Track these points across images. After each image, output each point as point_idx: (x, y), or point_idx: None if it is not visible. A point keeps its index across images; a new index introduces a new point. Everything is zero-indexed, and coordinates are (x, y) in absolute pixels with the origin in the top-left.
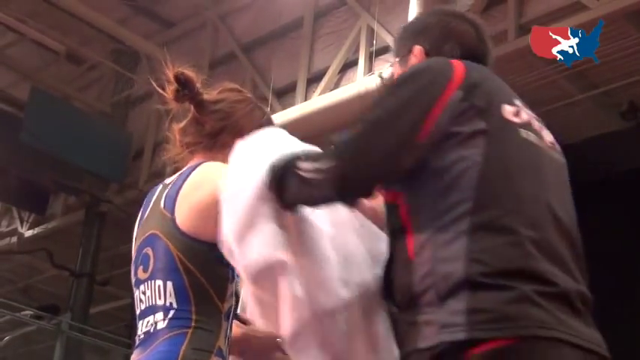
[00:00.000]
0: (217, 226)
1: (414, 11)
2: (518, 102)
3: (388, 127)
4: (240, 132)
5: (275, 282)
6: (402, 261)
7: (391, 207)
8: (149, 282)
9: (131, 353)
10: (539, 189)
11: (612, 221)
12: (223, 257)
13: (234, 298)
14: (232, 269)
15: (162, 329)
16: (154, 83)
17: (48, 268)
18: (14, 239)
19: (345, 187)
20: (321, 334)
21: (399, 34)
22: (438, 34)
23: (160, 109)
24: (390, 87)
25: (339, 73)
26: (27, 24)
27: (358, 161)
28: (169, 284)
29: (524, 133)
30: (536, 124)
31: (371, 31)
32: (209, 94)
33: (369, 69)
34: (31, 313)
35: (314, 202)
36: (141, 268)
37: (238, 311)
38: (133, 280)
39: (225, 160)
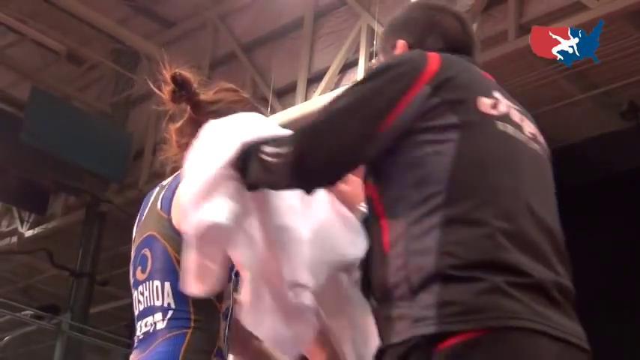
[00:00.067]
0: None
1: None
2: (497, 94)
3: (350, 116)
4: None
5: (216, 248)
6: (378, 254)
7: (369, 200)
8: (147, 283)
9: (131, 353)
10: (514, 181)
11: (612, 221)
12: None
13: (232, 298)
14: (230, 269)
15: (162, 330)
16: (151, 84)
17: (48, 268)
18: (14, 239)
19: (301, 173)
20: (282, 307)
21: (385, 28)
22: (421, 27)
23: (160, 109)
24: (361, 78)
25: (339, 73)
26: (27, 24)
27: (315, 147)
28: (167, 285)
29: (500, 125)
30: (517, 116)
31: (371, 31)
32: (205, 95)
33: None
34: (32, 313)
35: (274, 187)
36: (139, 269)
37: None
38: (132, 281)
39: None
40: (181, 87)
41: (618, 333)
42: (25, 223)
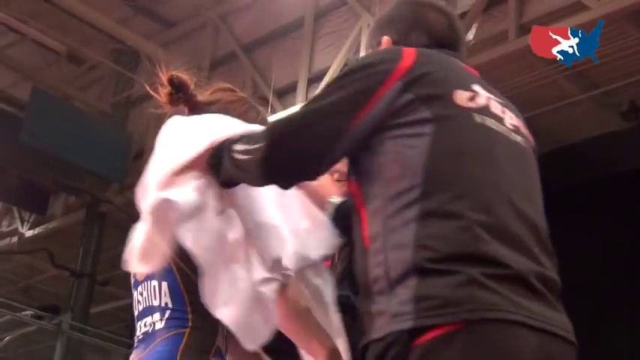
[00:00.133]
0: None
1: None
2: (476, 87)
3: (320, 113)
4: None
5: (165, 224)
6: (359, 249)
7: (351, 196)
8: (146, 283)
9: (131, 354)
10: (493, 173)
11: (613, 221)
12: None
13: None
14: None
15: (160, 329)
16: (148, 88)
17: (48, 268)
18: (15, 239)
19: (271, 169)
20: (243, 296)
21: (372, 25)
22: (405, 23)
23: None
24: (336, 76)
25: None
26: (28, 24)
27: (285, 144)
28: (164, 284)
29: (478, 117)
30: (498, 108)
31: None
32: (202, 96)
33: None
34: (32, 313)
35: (249, 184)
36: None
37: None
38: (132, 281)
39: None
40: (178, 89)
41: (618, 333)
42: (26, 223)
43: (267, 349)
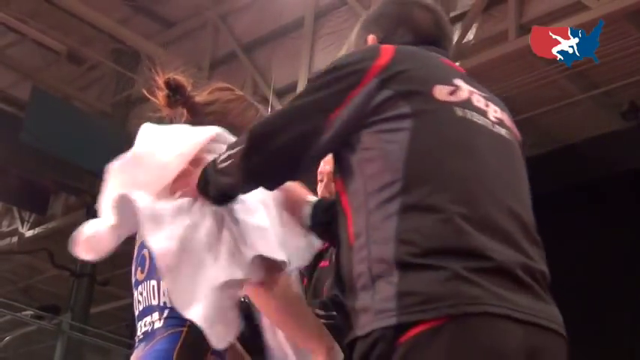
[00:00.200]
0: None
1: None
2: (458, 81)
3: (297, 113)
4: (235, 131)
5: (124, 221)
6: (345, 247)
7: (337, 195)
8: (145, 282)
9: (132, 353)
10: (474, 165)
11: (613, 221)
12: None
13: None
14: None
15: (159, 328)
16: (145, 92)
17: (48, 268)
18: (15, 239)
19: (250, 170)
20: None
21: (359, 25)
22: (390, 21)
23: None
24: (314, 76)
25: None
26: (28, 24)
27: (263, 144)
28: (163, 284)
29: (460, 111)
30: (481, 101)
31: None
32: (200, 96)
33: None
34: (32, 313)
35: (234, 189)
36: (139, 269)
37: None
38: (133, 280)
39: None
40: (175, 91)
41: (619, 333)
42: (26, 223)
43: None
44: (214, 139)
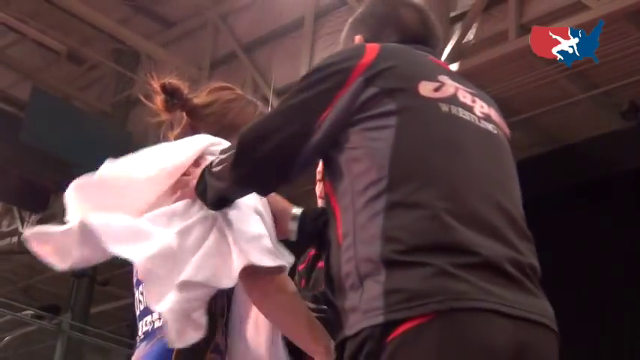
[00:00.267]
0: None
1: None
2: (443, 78)
3: (287, 115)
4: (236, 130)
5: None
6: (334, 247)
7: (326, 196)
8: None
9: (132, 353)
10: (460, 160)
11: (613, 221)
12: None
13: (226, 295)
14: None
15: (159, 327)
16: (143, 99)
17: (48, 268)
18: (15, 239)
19: (241, 174)
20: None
21: (347, 26)
22: (377, 21)
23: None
24: (301, 77)
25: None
26: (28, 24)
27: (253, 147)
28: None
29: (445, 107)
30: (467, 97)
31: None
32: (199, 98)
33: None
34: (32, 312)
35: (227, 193)
36: None
37: None
38: (134, 280)
39: None
40: (172, 95)
41: (619, 333)
42: (26, 223)
43: None
44: (205, 151)
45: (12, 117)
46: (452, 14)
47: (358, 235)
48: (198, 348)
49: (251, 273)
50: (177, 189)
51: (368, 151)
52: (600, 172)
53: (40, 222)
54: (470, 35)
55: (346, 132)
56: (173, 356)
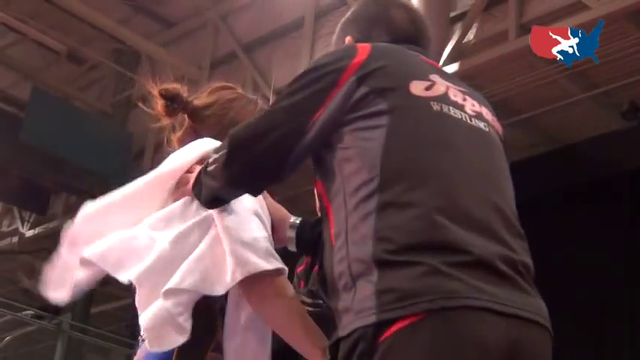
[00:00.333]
0: None
1: None
2: (434, 76)
3: (279, 115)
4: None
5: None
6: (327, 248)
7: (319, 197)
8: None
9: (132, 353)
10: (451, 159)
11: (613, 221)
12: None
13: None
14: None
15: None
16: (145, 107)
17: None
18: (15, 239)
19: (233, 174)
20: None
21: (338, 28)
22: (367, 22)
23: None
24: (294, 78)
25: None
26: (28, 24)
27: (245, 147)
28: None
29: (436, 105)
30: (458, 96)
31: None
32: (199, 99)
33: None
34: (32, 313)
35: (218, 194)
36: None
37: None
38: None
39: None
40: (172, 100)
41: (619, 333)
42: (26, 223)
43: None
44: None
45: (12, 117)
46: (452, 14)
47: (350, 236)
48: (199, 348)
49: (249, 276)
50: (179, 187)
51: (359, 151)
52: (600, 172)
53: (40, 222)
54: (470, 35)
55: (338, 132)
56: (174, 355)
